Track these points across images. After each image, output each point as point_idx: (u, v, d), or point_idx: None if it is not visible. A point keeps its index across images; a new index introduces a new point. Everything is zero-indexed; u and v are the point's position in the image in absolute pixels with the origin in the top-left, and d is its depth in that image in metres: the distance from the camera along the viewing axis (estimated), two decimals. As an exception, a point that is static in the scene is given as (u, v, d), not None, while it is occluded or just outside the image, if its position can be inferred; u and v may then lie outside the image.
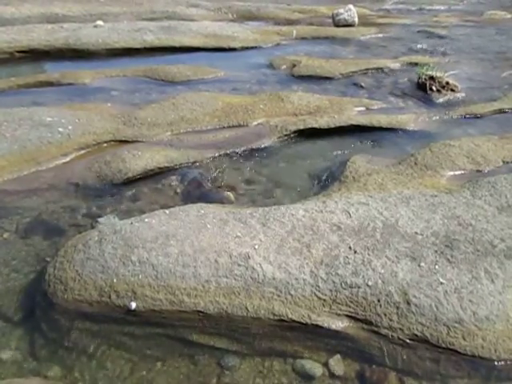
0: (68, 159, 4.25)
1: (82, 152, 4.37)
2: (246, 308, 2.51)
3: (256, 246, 2.82)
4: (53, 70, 6.71)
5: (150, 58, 7.29)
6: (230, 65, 6.96)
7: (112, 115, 4.95)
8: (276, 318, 2.49)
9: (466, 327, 2.40)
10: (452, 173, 3.85)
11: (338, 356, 2.43)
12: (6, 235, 3.28)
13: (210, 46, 7.86)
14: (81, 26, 8.47)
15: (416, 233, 2.95)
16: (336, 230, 2.97)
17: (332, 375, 2.37)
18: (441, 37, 9.06)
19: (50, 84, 6.13)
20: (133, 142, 4.53)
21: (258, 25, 9.93)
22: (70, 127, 4.58)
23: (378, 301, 2.52)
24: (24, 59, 7.26)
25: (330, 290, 2.58)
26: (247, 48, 7.94)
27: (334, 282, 2.61)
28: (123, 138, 4.58)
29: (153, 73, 6.45)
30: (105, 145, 4.51)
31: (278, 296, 2.55)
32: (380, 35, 9.11)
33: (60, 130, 4.52)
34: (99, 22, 8.62)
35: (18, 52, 7.35)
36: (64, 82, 6.19)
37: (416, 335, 2.40)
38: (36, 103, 5.37)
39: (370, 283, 2.59)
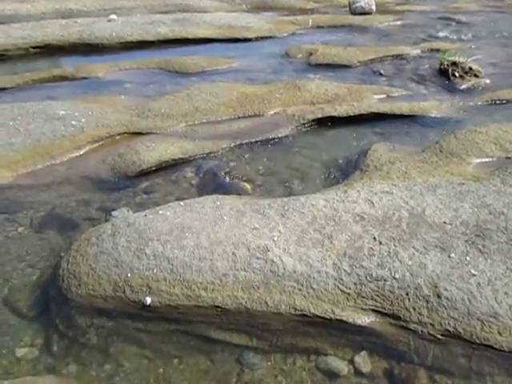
0: (81, 152, 4.24)
1: (96, 145, 4.36)
2: (266, 303, 2.46)
3: (275, 238, 2.77)
4: (67, 65, 6.75)
5: (164, 51, 7.27)
6: (244, 55, 6.90)
7: (125, 107, 4.95)
8: (298, 313, 2.43)
9: (501, 321, 2.30)
10: (479, 160, 3.73)
11: (364, 353, 2.35)
12: (20, 229, 3.28)
13: (224, 36, 7.80)
14: (95, 20, 8.48)
15: (444, 222, 2.86)
16: (359, 221, 2.89)
17: (358, 373, 2.29)
18: (461, 23, 8.84)
19: (64, 78, 6.16)
20: (146, 133, 4.51)
21: (273, 15, 9.82)
22: (83, 120, 4.57)
23: (407, 294, 2.43)
24: (39, 55, 7.29)
25: (355, 284, 2.50)
26: (262, 38, 7.85)
27: (358, 275, 2.53)
28: (137, 130, 4.56)
29: (167, 64, 6.43)
30: (118, 137, 4.49)
31: (300, 290, 2.49)
32: (398, 22, 8.93)
33: (73, 123, 4.52)
34: (113, 16, 8.61)
35: (33, 48, 7.38)
36: (78, 76, 6.21)
37: (448, 330, 2.31)
38: (50, 97, 5.41)
39: (397, 276, 2.51)
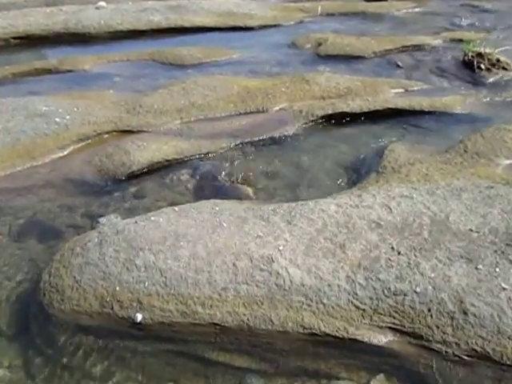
0: (65, 152, 4.24)
1: (81, 144, 4.36)
2: (271, 320, 2.45)
3: (281, 247, 2.75)
4: (51, 57, 6.76)
5: (157, 41, 7.28)
6: (246, 45, 6.91)
7: (114, 103, 4.95)
8: (306, 331, 2.41)
9: (536, 342, 2.27)
10: (509, 161, 3.72)
11: (381, 376, 2.34)
12: (-4, 238, 3.29)
13: (224, 25, 7.80)
14: (81, 7, 8.52)
15: (471, 230, 2.84)
16: (375, 228, 2.88)
17: (374, 399, 2.28)
18: (487, 10, 8.85)
19: (47, 71, 6.17)
20: (137, 131, 4.51)
21: (278, 1, 9.84)
22: (67, 117, 4.58)
23: (429, 310, 2.41)
24: (20, 46, 7.33)
25: (371, 298, 2.48)
26: (266, 27, 7.86)
27: (374, 289, 2.51)
28: (127, 128, 4.56)
29: (160, 56, 6.44)
30: (106, 136, 4.49)
31: (309, 305, 2.47)
32: (417, 9, 8.94)
33: (57, 120, 4.52)
34: (101, 3, 8.65)
35: (14, 38, 7.41)
36: (62, 68, 6.21)
37: (475, 351, 2.29)
38: (32, 92, 5.41)
39: (418, 290, 2.49)
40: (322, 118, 4.65)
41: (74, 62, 6.32)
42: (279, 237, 2.84)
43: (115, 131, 4.55)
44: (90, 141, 4.42)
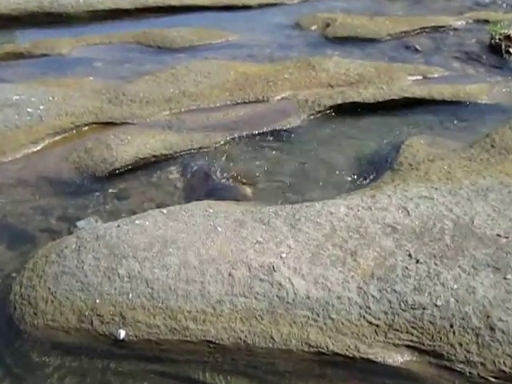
0: (39, 147, 4.26)
1: (57, 138, 4.38)
2: (272, 337, 2.45)
3: (283, 255, 2.75)
4: (23, 39, 6.80)
5: (144, 21, 7.30)
6: (244, 26, 6.94)
7: (95, 91, 4.96)
8: (312, 350, 2.41)
9: None
10: None
11: None
12: (-39, 244, 3.30)
13: (219, 3, 7.82)
14: (57, -17, 8.56)
15: (498, 235, 2.83)
16: (390, 233, 2.88)
17: (389, 427, 2.29)
18: (516, -13, 8.89)
19: (19, 56, 6.20)
20: (121, 124, 4.52)
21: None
22: (41, 107, 4.59)
23: (451, 326, 2.41)
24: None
25: (385, 313, 2.48)
26: (267, 5, 7.87)
27: (390, 302, 2.51)
28: (108, 120, 4.58)
29: (146, 38, 6.47)
30: (85, 128, 4.51)
31: (315, 321, 2.47)
32: (437, -14, 8.98)
33: (29, 110, 4.53)
34: (79, -21, 8.67)
35: (-19, 19, 7.45)
36: (36, 52, 6.24)
37: (503, 372, 2.28)
38: (1, 79, 5.44)
39: (438, 303, 2.49)
40: (330, 108, 4.66)
41: (50, 46, 6.33)
42: (281, 243, 2.84)
43: (95, 123, 4.56)
44: (66, 134, 4.43)
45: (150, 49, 6.33)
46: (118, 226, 3.04)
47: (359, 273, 2.64)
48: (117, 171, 3.92)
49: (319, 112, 4.63)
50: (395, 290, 2.55)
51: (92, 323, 2.57)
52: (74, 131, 4.48)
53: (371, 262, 2.70)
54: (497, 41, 5.95)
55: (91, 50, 6.28)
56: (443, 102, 4.80)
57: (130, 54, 6.15)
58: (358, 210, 3.06)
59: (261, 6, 7.85)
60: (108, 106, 4.75)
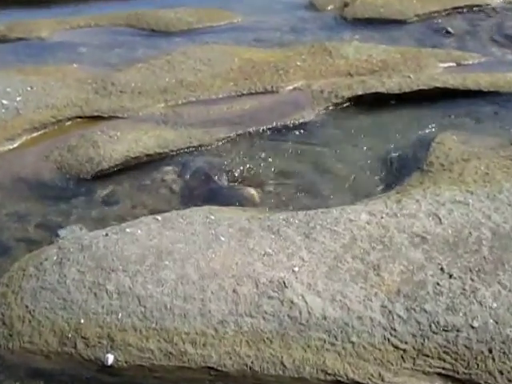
0: (16, 145, 4.28)
1: (36, 134, 4.40)
2: (282, 363, 2.44)
3: (296, 269, 2.75)
4: (-4, 21, 6.88)
5: (135, 0, 7.31)
6: (250, 6, 6.95)
7: (79, 81, 4.98)
8: (329, 378, 2.40)
9: None
10: None
11: None
12: None
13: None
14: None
15: (545, 246, 2.83)
16: (419, 243, 2.87)
17: None
18: None
19: (-9, 40, 6.27)
20: (109, 118, 4.54)
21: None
22: (18, 99, 4.62)
23: (490, 351, 2.40)
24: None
25: (414, 336, 2.47)
26: (276, -18, 7.92)
27: (418, 323, 2.50)
28: (95, 113, 4.60)
29: (139, 20, 6.51)
30: (68, 123, 4.53)
31: (332, 345, 2.47)
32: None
33: (4, 102, 4.57)
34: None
35: None
36: (12, 36, 6.28)
37: None
38: (-29, 67, 5.50)
39: (475, 324, 2.48)
40: (350, 100, 4.67)
41: (27, 28, 6.37)
42: (294, 255, 2.84)
43: (80, 117, 4.58)
44: (47, 130, 4.46)
45: (143, 32, 6.36)
46: (106, 234, 3.05)
47: (383, 289, 2.64)
48: (104, 172, 3.94)
49: (336, 104, 4.63)
50: (425, 310, 2.54)
51: (76, 346, 2.56)
52: (56, 126, 4.50)
53: (397, 276, 2.69)
54: (541, 22, 5.92)
55: (75, 34, 6.30)
56: (479, 93, 4.77)
57: (120, 38, 6.18)
58: (382, 217, 3.06)
59: (270, -17, 7.88)
60: (94, 97, 4.77)
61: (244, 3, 7.10)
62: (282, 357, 2.45)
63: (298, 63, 5.19)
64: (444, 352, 2.42)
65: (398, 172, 3.83)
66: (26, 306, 2.71)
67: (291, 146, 4.19)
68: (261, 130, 4.33)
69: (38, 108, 4.57)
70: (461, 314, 2.52)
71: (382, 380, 2.38)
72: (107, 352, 2.53)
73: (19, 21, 6.66)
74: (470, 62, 5.40)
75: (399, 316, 2.53)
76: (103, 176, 3.92)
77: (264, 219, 3.12)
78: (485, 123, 4.42)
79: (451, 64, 5.34)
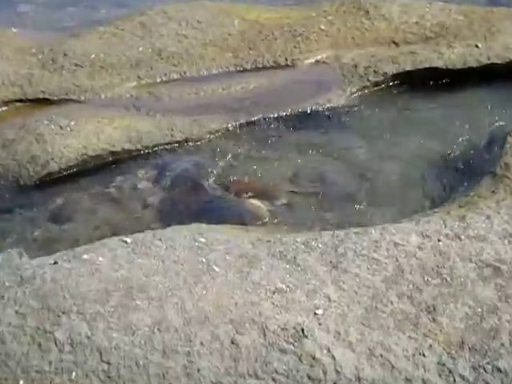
0: None
1: (-41, 124, 4.45)
2: None
3: (319, 311, 2.74)
4: None
5: None
6: None
7: (20, 50, 5.02)
8: None
9: None
10: None
11: None
12: None
13: None
14: None
15: None
16: (491, 276, 2.87)
17: None
18: None
19: None
20: (60, 101, 4.58)
21: None
22: None
23: None
24: None
25: (484, 406, 2.47)
26: None
27: (490, 388, 2.51)
28: (41, 95, 4.63)
29: (101, -34, 6.57)
30: (4, 108, 4.58)
31: (370, 418, 2.47)
32: None
33: None
34: None
35: None
36: None
37: None
38: None
39: None
40: (394, 78, 4.71)
41: None
42: (316, 292, 2.83)
43: (21, 101, 4.63)
44: (-26, 118, 4.49)
45: (107, -17, 6.36)
46: (55, 263, 3.03)
47: (441, 340, 2.63)
48: (53, 177, 3.95)
49: (376, 84, 4.67)
50: (499, 369, 2.54)
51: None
52: (-14, 113, 4.48)
53: (460, 322, 2.69)
54: None
55: (14, -14, 6.33)
56: None
57: (75, -9, 6.18)
58: (439, 240, 3.06)
59: None
60: (40, 73, 4.79)
61: None
62: None
63: (323, 27, 5.21)
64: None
65: (461, 177, 3.85)
66: None
67: (312, 140, 4.21)
68: (270, 120, 4.36)
69: (-38, 88, 4.58)
70: (549, 375, 2.52)
71: None
72: (55, 427, 2.53)
73: None
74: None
75: (463, 377, 2.52)
76: (52, 182, 3.94)
77: (275, 243, 3.11)
78: None
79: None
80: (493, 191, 3.52)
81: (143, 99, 4.57)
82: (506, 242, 3.04)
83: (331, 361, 2.58)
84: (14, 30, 5.43)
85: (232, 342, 2.66)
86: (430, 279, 2.87)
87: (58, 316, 2.78)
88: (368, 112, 4.47)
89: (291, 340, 2.65)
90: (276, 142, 4.23)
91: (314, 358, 2.59)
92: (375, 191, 3.83)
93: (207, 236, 3.19)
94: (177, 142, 4.21)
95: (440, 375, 2.56)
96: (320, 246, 3.08)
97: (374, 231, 3.16)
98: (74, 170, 4.00)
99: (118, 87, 4.69)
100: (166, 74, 4.84)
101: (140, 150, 4.14)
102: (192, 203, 3.79)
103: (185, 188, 3.88)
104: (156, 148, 4.16)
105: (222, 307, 2.78)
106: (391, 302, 2.79)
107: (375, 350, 2.62)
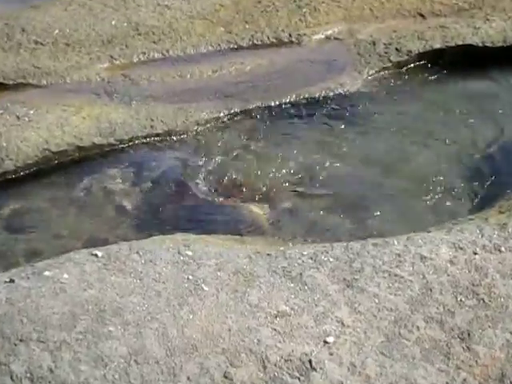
0: None
1: None
2: None
3: (330, 339, 2.75)
4: None
5: None
6: None
7: (-32, 25, 5.08)
8: None
9: None
10: None
11: None
12: None
13: None
14: None
15: None
16: (538, 297, 2.88)
17: None
18: None
19: None
20: (17, 86, 4.62)
21: None
22: None
23: None
24: None
25: None
26: None
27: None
28: (-6, 79, 4.68)
29: None
30: (-51, 95, 4.60)
31: None
32: None
33: None
34: None
35: None
36: None
37: None
38: None
39: None
40: (420, 58, 4.75)
41: None
42: (327, 316, 2.83)
43: (-32, 86, 4.65)
44: None
45: None
46: (11, 281, 3.06)
47: (477, 372, 2.63)
48: (8, 177, 3.97)
49: (397, 65, 4.70)
50: (548, 408, 2.55)
51: None
52: None
53: (500, 352, 2.69)
54: None
55: None
56: None
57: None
58: (475, 253, 3.07)
59: None
60: (-7, 51, 4.77)
61: None
62: None
63: (334, -4, 5.22)
64: None
65: (500, 178, 3.88)
66: None
67: (320, 133, 4.25)
68: (270, 107, 4.39)
69: None
70: None
71: None
72: None
73: None
74: None
75: (505, 422, 2.54)
76: (6, 183, 3.96)
77: (276, 257, 3.13)
78: None
79: None
80: (541, 195, 3.56)
81: (117, 83, 4.59)
82: (557, 254, 3.06)
83: (345, 399, 2.57)
84: (-39, 1, 5.40)
85: (225, 377, 2.65)
86: (463, 300, 2.88)
87: (15, 345, 2.79)
88: (388, 99, 4.50)
89: (297, 374, 2.65)
90: (277, 135, 4.24)
91: (324, 397, 2.58)
92: (396, 194, 3.85)
93: (194, 248, 3.20)
94: (157, 134, 4.23)
95: (477, 415, 2.57)
96: (331, 260, 3.10)
97: (396, 242, 3.17)
98: (34, 168, 4.02)
99: (86, 69, 4.72)
100: (144, 53, 4.87)
101: (113, 145, 4.15)
102: (176, 209, 3.80)
103: (167, 191, 3.90)
104: (132, 142, 4.18)
105: (213, 334, 2.79)
106: (417, 328, 2.79)
107: (398, 384, 2.62)
